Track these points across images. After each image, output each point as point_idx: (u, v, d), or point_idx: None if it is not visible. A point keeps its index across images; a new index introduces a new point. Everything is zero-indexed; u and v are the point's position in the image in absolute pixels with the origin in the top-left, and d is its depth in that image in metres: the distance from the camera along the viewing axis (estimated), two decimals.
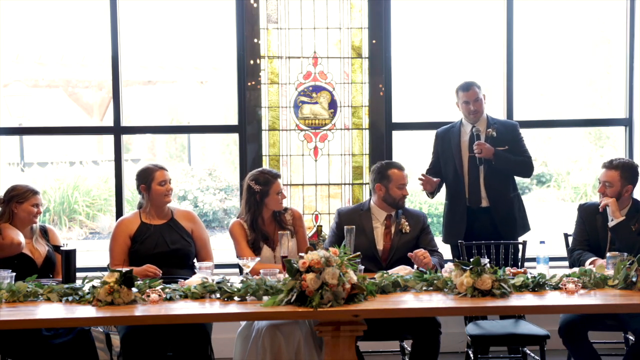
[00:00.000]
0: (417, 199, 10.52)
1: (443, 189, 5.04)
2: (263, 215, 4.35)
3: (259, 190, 4.31)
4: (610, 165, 4.36)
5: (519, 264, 4.61)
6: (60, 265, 4.16)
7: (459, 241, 4.66)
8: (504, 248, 4.65)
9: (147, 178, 4.31)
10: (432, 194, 4.96)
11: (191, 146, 12.50)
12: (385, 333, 4.15)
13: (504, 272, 3.67)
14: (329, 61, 5.35)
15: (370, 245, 4.30)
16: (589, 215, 4.45)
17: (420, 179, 4.88)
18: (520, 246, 4.66)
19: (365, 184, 5.37)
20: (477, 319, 4.40)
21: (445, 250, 4.69)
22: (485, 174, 4.86)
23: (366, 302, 3.44)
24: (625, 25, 5.56)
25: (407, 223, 4.37)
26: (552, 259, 4.12)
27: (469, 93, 4.87)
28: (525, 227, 4.99)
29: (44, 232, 4.34)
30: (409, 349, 4.54)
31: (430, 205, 10.38)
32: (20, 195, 4.22)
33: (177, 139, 12.74)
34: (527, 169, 4.93)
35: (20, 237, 4.13)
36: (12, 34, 9.81)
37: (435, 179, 4.90)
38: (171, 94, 12.08)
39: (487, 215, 4.89)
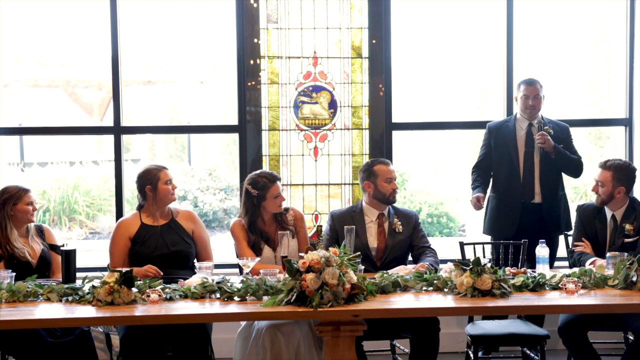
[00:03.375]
0: (417, 198, 10.53)
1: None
2: (263, 217, 4.35)
3: (256, 194, 4.30)
4: (604, 166, 4.41)
5: (550, 263, 4.51)
6: (57, 265, 4.18)
7: (460, 241, 4.65)
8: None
9: (153, 179, 4.30)
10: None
11: (191, 146, 12.50)
12: (384, 332, 4.16)
13: (504, 272, 3.67)
14: (329, 61, 5.35)
15: (363, 246, 4.30)
16: (587, 216, 4.46)
17: (475, 203, 4.96)
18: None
19: None
20: (485, 318, 4.39)
21: (442, 249, 4.65)
22: (541, 170, 4.89)
23: (366, 302, 3.44)
24: (625, 25, 5.55)
25: (399, 222, 4.38)
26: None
27: (531, 88, 4.93)
28: (568, 226, 4.98)
29: (40, 231, 4.33)
30: (401, 347, 4.56)
31: (430, 205, 10.39)
32: (14, 197, 4.20)
33: (177, 139, 12.73)
34: (579, 168, 5.00)
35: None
36: (12, 34, 9.81)
37: (482, 199, 4.97)
38: (171, 94, 12.08)
39: (537, 212, 4.90)
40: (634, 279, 3.63)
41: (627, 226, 4.32)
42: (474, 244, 4.61)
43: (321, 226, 5.35)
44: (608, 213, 4.42)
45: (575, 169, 4.99)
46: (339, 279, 3.33)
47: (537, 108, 4.94)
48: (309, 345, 3.82)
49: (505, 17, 5.40)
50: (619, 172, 4.35)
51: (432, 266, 4.10)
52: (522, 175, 4.91)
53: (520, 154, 4.93)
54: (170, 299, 3.52)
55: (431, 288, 3.67)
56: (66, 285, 3.69)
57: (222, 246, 7.69)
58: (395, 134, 5.43)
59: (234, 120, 5.44)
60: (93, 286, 3.54)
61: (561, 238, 4.75)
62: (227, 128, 7.95)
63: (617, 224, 4.37)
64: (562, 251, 4.82)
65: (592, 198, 4.49)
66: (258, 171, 4.47)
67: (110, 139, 5.37)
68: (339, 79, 5.35)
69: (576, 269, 3.92)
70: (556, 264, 4.92)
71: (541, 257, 4.00)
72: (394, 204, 4.47)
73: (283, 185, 5.26)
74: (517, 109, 5.04)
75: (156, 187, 4.30)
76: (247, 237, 4.31)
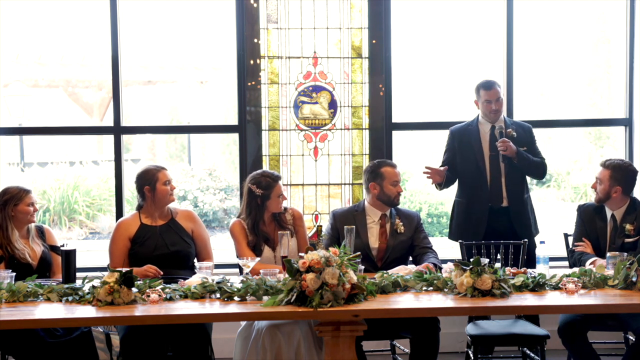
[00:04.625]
0: (417, 198, 10.52)
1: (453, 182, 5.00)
2: (264, 217, 4.36)
3: (261, 194, 4.30)
4: (604, 164, 4.44)
5: (527, 265, 4.52)
6: (57, 266, 4.18)
7: (463, 242, 4.64)
8: (513, 248, 4.59)
9: (152, 179, 4.31)
10: (440, 185, 4.91)
11: (191, 146, 12.50)
12: (384, 332, 4.15)
13: (504, 272, 3.67)
14: (329, 61, 5.36)
15: (364, 246, 4.30)
16: (588, 216, 4.47)
17: (425, 172, 4.86)
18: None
19: None
20: (480, 318, 4.40)
21: (441, 249, 4.65)
22: (507, 174, 4.84)
23: (366, 302, 3.44)
24: (625, 25, 5.56)
25: (401, 223, 4.38)
26: (552, 259, 4.12)
27: (492, 92, 4.84)
28: (536, 229, 4.99)
29: (41, 232, 4.33)
30: (401, 347, 4.56)
31: (430, 205, 10.39)
32: (15, 197, 4.20)
33: (177, 139, 12.74)
34: (543, 170, 4.96)
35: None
36: (12, 34, 9.81)
37: (442, 168, 4.87)
38: (171, 94, 12.09)
39: (505, 215, 4.86)
40: (634, 279, 3.63)
41: (628, 226, 4.33)
42: (474, 243, 4.61)
43: (321, 226, 5.36)
44: (608, 213, 4.42)
45: (538, 171, 4.95)
46: (339, 279, 3.33)
47: (500, 110, 4.86)
48: (309, 345, 3.81)
49: (505, 17, 5.40)
50: (617, 172, 4.36)
51: (436, 266, 4.10)
52: (489, 179, 4.85)
53: (486, 158, 4.86)
54: (170, 299, 3.52)
55: (431, 288, 3.67)
56: (66, 285, 3.70)
57: (222, 246, 7.70)
58: (395, 134, 5.43)
59: (234, 120, 5.44)
60: (93, 286, 3.54)
61: (561, 238, 4.75)
62: (227, 128, 7.95)
63: (617, 223, 4.37)
64: (561, 251, 4.83)
65: (591, 198, 4.50)
66: (260, 171, 4.46)
67: (110, 139, 5.37)
68: (339, 79, 5.35)
69: (576, 269, 3.92)
70: (557, 264, 4.92)
71: (541, 257, 3.99)
72: None
73: (283, 185, 5.27)
74: (478, 112, 4.95)
75: (154, 188, 4.30)
76: (246, 237, 4.31)
